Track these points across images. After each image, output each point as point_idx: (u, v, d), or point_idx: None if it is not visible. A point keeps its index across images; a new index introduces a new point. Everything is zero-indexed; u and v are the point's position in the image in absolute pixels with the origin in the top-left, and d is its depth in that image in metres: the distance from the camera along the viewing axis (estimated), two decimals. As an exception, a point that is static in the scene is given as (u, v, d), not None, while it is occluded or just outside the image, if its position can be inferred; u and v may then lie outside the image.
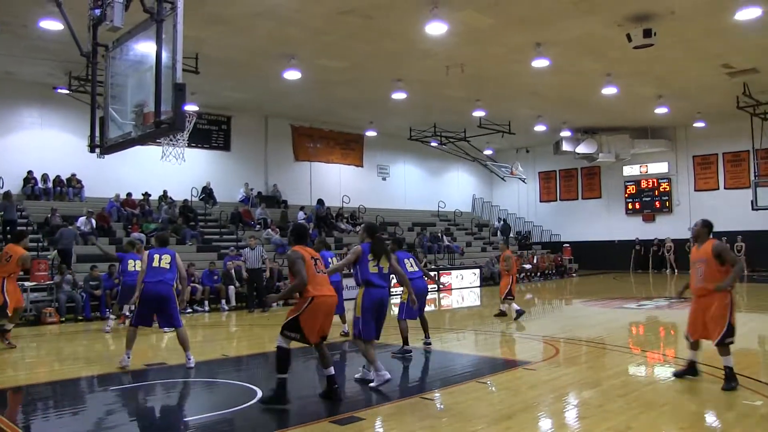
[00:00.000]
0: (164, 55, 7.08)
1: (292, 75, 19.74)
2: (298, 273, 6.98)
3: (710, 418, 6.66)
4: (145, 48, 7.83)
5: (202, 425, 6.61)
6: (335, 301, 7.32)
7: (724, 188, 31.88)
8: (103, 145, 8.69)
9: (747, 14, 15.60)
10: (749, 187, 28.51)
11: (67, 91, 20.10)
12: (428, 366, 10.09)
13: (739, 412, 6.79)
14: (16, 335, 12.19)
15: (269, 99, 24.81)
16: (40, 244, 18.45)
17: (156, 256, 9.54)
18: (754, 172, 28.42)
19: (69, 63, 18.46)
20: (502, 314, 15.50)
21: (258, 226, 24.75)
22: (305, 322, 6.95)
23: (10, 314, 11.43)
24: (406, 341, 10.59)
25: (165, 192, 23.81)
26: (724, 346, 7.54)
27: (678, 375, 8.27)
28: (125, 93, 8.39)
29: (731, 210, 30.27)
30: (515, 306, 14.96)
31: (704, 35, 17.94)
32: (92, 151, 8.88)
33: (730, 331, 7.53)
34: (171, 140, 9.94)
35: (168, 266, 9.52)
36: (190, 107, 18.77)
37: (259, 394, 7.53)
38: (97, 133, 8.95)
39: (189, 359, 9.42)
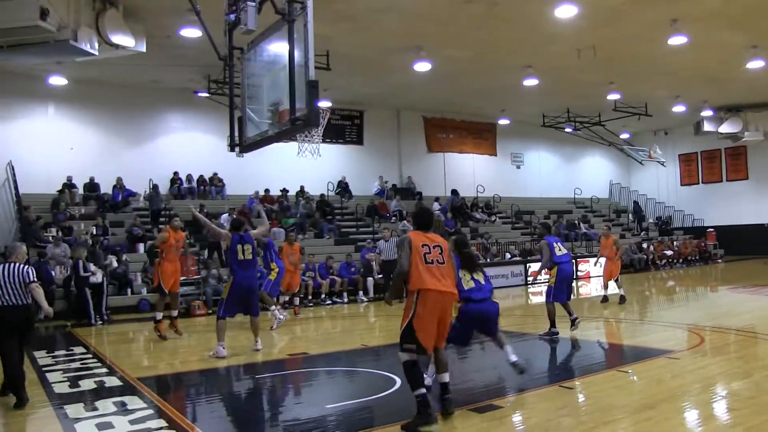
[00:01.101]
0: (296, 54, 7.35)
1: (421, 67, 19.85)
2: (398, 260, 6.23)
3: None
4: (278, 48, 8.17)
5: (343, 412, 6.80)
6: (450, 299, 6.31)
7: None
8: (242, 143, 9.12)
9: None
10: None
11: (207, 95, 21.12)
12: (567, 354, 9.97)
13: None
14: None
15: (399, 92, 25.04)
16: (188, 241, 19.45)
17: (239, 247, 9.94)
18: None
19: (207, 67, 19.37)
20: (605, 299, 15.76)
21: (393, 218, 25.09)
22: (418, 324, 6.03)
23: (167, 294, 12.13)
24: (553, 324, 10.82)
25: (302, 187, 24.55)
26: None
27: None
28: (261, 93, 8.77)
29: None
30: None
31: None
32: (232, 150, 9.33)
33: None
34: (306, 136, 10.26)
35: (251, 256, 10.01)
36: (323, 103, 19.32)
37: (398, 382, 7.65)
38: (236, 133, 9.41)
39: (257, 342, 10.29)
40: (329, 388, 8.45)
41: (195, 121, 23.67)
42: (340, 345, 10.89)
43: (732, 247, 32.56)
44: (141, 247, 19.29)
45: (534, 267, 23.28)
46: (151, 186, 21.58)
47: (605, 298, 15.84)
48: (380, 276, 19.40)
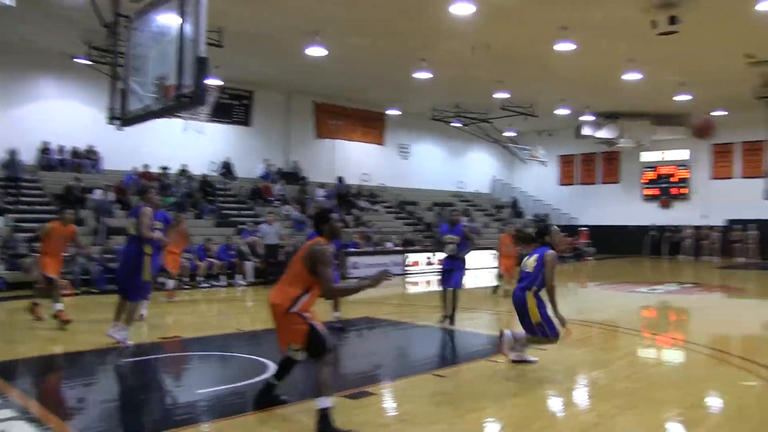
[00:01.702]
0: (187, 28, 7.12)
1: (317, 51, 19.64)
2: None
3: (710, 399, 6.78)
4: (168, 20, 7.89)
5: (215, 397, 6.77)
6: (272, 309, 5.78)
7: (741, 177, 31.65)
8: (123, 117, 8.81)
9: (768, 6, 15.47)
10: (764, 176, 28.36)
11: (87, 62, 19.73)
12: (441, 344, 10.23)
13: (737, 392, 6.97)
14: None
15: (293, 75, 24.74)
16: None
17: None
18: (768, 162, 28.33)
19: (89, 32, 18.01)
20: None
21: (277, 202, 24.90)
22: None
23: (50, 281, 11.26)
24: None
25: (184, 166, 23.88)
26: None
27: None
28: (147, 65, 8.46)
29: (745, 199, 30.13)
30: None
31: (728, 24, 17.71)
32: (111, 122, 9.00)
33: None
34: (192, 114, 10.01)
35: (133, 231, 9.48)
36: (213, 81, 18.77)
37: (272, 368, 7.64)
38: (117, 105, 9.07)
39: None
40: (202, 373, 8.35)
41: (71, 89, 22.19)
42: (215, 329, 10.77)
43: (602, 245, 34.16)
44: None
45: (414, 257, 23.76)
46: (10, 153, 20.12)
47: (497, 288, 16.29)
48: (261, 260, 19.24)
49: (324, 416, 5.36)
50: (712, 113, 29.17)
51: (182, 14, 7.19)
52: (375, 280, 5.67)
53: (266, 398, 6.16)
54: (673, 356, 9.44)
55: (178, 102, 7.15)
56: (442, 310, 11.34)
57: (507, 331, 7.99)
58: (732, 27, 17.92)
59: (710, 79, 23.79)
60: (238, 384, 7.21)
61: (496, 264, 15.98)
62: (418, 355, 9.30)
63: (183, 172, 23.66)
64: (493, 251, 17.31)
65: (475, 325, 11.91)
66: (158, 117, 8.10)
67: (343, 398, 6.43)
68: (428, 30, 18.58)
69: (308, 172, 28.24)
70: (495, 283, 16.68)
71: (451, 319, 11.18)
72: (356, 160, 30.57)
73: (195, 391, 6.99)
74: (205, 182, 23.79)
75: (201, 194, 23.03)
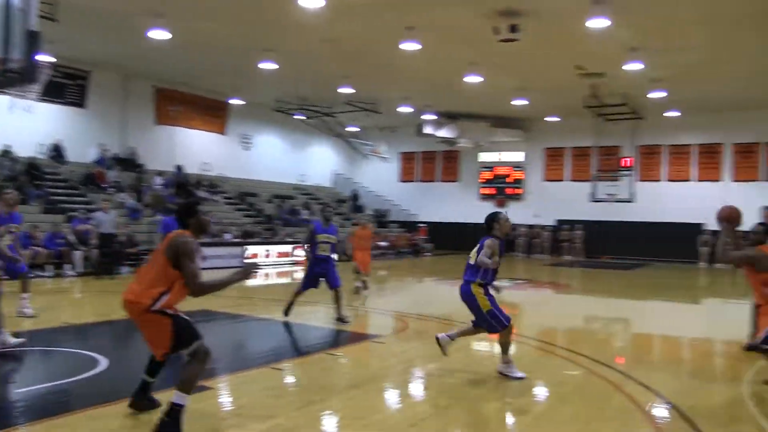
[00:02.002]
0: (16, -2, 6.64)
1: (160, 35, 18.87)
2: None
3: (536, 388, 7.15)
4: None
5: (36, 396, 6.39)
6: (126, 306, 5.32)
7: (569, 180, 33.73)
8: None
9: (597, 23, 16.51)
10: (590, 180, 30.45)
11: None
12: (281, 337, 10.20)
13: (561, 382, 7.44)
14: None
15: (133, 57, 23.56)
16: None
17: None
18: (595, 167, 30.34)
19: None
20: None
21: (112, 189, 23.75)
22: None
23: None
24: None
25: (8, 147, 22.02)
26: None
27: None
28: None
29: (573, 201, 32.26)
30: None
31: (563, 36, 18.81)
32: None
33: None
34: (21, 91, 9.36)
35: None
36: (45, 57, 17.62)
37: (103, 363, 7.37)
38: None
39: None
40: (22, 370, 7.83)
41: None
42: (40, 323, 10.19)
43: (440, 242, 35.27)
44: None
45: (253, 249, 23.57)
46: None
47: (363, 286, 15.56)
48: (95, 249, 18.35)
49: (175, 415, 5.05)
50: (546, 118, 31.00)
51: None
52: (242, 274, 5.47)
53: (143, 400, 5.75)
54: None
55: (4, 78, 6.66)
56: (287, 305, 11.11)
57: (440, 335, 7.82)
58: (566, 40, 19.06)
59: (545, 87, 25.23)
60: (64, 381, 6.83)
61: (352, 259, 14.95)
62: (257, 348, 9.23)
63: (6, 154, 21.92)
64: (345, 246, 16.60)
65: (314, 318, 11.99)
66: (-18, 93, 7.54)
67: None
68: (276, 20, 18.38)
69: (146, 159, 27.11)
70: (354, 279, 15.75)
71: (342, 317, 10.95)
72: (197, 149, 29.78)
73: (14, 391, 6.58)
74: (32, 165, 22.27)
75: (27, 178, 21.55)
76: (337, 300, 11.08)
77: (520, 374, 7.28)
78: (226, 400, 6.40)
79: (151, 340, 5.37)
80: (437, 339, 7.75)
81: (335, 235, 11.23)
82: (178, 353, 5.24)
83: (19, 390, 6.56)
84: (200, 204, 5.76)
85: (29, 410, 5.95)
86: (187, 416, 5.25)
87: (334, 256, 11.33)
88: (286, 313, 11.01)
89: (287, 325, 10.71)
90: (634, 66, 20.72)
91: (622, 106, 26.03)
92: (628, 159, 29.21)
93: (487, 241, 7.53)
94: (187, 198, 25.28)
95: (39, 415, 5.72)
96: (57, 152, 23.78)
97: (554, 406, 6.46)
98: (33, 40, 6.38)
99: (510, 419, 6.09)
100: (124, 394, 5.91)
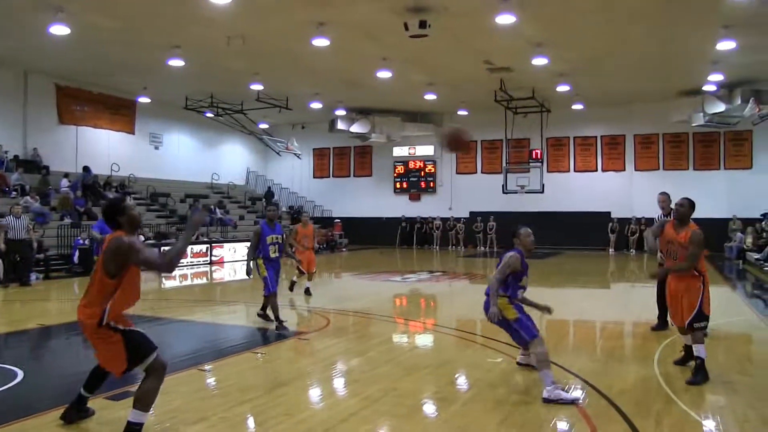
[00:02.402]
0: None
1: (59, 30, 18.15)
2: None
3: (462, 377, 7.37)
4: None
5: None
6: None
7: (481, 173, 34.44)
8: None
9: (504, 19, 17.08)
10: (501, 172, 31.16)
11: None
12: (204, 338, 10.11)
13: (485, 368, 7.65)
14: None
15: (31, 54, 22.69)
16: None
17: None
18: (506, 160, 31.06)
19: None
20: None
21: (14, 192, 22.89)
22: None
23: None
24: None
25: None
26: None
27: (679, 363, 7.75)
28: None
29: (486, 193, 33.01)
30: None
31: (471, 32, 19.26)
32: None
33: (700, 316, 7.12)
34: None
35: None
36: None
37: (20, 374, 7.17)
38: None
39: None
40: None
41: None
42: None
43: (355, 237, 35.46)
44: None
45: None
46: None
47: (293, 285, 14.95)
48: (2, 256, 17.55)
49: None
50: (457, 112, 31.53)
51: None
52: (194, 224, 5.35)
53: (76, 414, 5.63)
54: (427, 340, 10.13)
55: None
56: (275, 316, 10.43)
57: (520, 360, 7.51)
58: (474, 35, 19.52)
59: (455, 82, 25.73)
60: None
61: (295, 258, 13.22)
62: (181, 350, 9.10)
63: None
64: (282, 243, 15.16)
65: (236, 318, 11.94)
66: None
67: (105, 400, 6.21)
68: (183, 16, 18.09)
69: (50, 161, 26.18)
70: (294, 278, 15.18)
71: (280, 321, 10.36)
72: (104, 149, 28.97)
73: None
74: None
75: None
76: (272, 305, 10.45)
77: (570, 397, 6.35)
78: (158, 401, 6.31)
79: (106, 360, 5.29)
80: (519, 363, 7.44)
81: (281, 235, 10.84)
82: (134, 370, 5.19)
83: None
84: (125, 201, 5.62)
85: None
86: (118, 424, 5.24)
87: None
88: (279, 321, 10.24)
89: (209, 326, 10.65)
90: (539, 61, 21.41)
91: (530, 99, 26.72)
92: (537, 151, 29.96)
93: (507, 257, 6.83)
94: (96, 199, 24.67)
95: None
96: (-47, 155, 22.75)
97: (482, 391, 6.66)
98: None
99: (440, 407, 6.23)
100: (45, 405, 5.85)
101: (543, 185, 29.25)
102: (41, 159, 25.98)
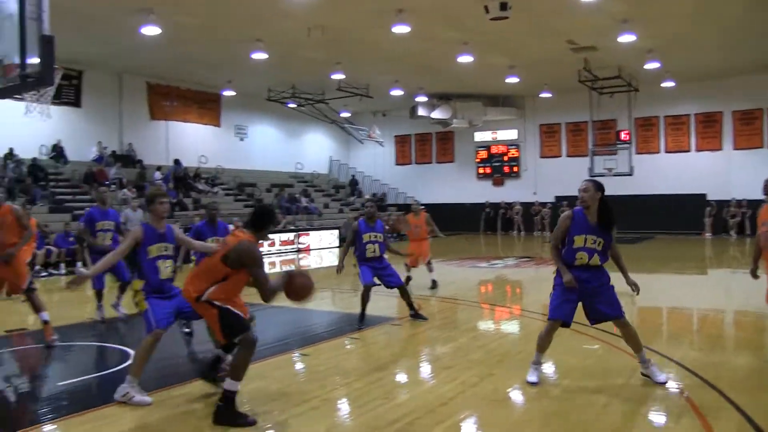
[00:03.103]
0: (28, 6, 6.75)
1: (150, 31, 18.94)
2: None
3: (558, 363, 7.22)
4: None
5: (72, 389, 6.54)
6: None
7: (566, 156, 33.76)
8: (-46, 96, 8.17)
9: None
10: (587, 155, 30.42)
11: None
12: (296, 324, 10.26)
13: (581, 355, 7.55)
14: None
15: (124, 55, 23.67)
16: None
17: None
18: (592, 142, 30.31)
19: None
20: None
21: (113, 186, 23.81)
22: None
23: None
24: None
25: (11, 149, 22.30)
26: None
27: None
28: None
29: (571, 176, 32.14)
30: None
31: (553, 12, 18.89)
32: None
33: None
34: (38, 96, 9.45)
35: None
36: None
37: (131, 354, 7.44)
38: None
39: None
40: (58, 364, 7.95)
41: None
42: (69, 318, 10.25)
43: (438, 223, 35.12)
44: None
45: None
46: None
47: (408, 279, 13.35)
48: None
49: (229, 401, 5.39)
50: (540, 95, 31.02)
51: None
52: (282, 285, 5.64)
53: (211, 372, 6.14)
54: (516, 327, 10.03)
55: (23, 82, 6.72)
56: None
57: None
58: (556, 14, 19.10)
59: (537, 63, 25.26)
60: (101, 373, 7.01)
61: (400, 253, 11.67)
62: (276, 335, 9.30)
63: (10, 156, 22.05)
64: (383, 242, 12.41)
65: (325, 304, 12.10)
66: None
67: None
68: (264, 10, 18.41)
69: (144, 155, 27.30)
70: (407, 273, 13.71)
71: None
72: (192, 142, 29.79)
73: (55, 384, 6.73)
74: (35, 166, 22.34)
75: (32, 179, 21.63)
76: (406, 296, 10.05)
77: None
78: (260, 385, 6.46)
79: (211, 328, 5.91)
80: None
81: (382, 233, 10.01)
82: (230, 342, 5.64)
83: (60, 383, 6.71)
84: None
85: (73, 402, 6.11)
86: None
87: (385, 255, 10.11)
88: (360, 319, 9.76)
89: (301, 312, 10.75)
90: (626, 38, 20.74)
91: (617, 79, 26.00)
92: (625, 132, 29.16)
93: None
94: (186, 191, 25.36)
95: (81, 407, 5.88)
96: (58, 152, 23.89)
97: (580, 380, 6.54)
98: (48, 46, 6.46)
99: (538, 393, 6.14)
100: (151, 386, 6.12)
101: (632, 167, 28.41)
102: (136, 153, 27.03)
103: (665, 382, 6.20)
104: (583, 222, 6.32)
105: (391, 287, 9.88)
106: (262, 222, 5.68)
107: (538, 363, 6.45)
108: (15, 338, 9.20)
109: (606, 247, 6.29)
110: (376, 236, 9.88)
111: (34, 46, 6.56)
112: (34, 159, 22.75)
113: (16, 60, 6.84)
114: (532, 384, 6.28)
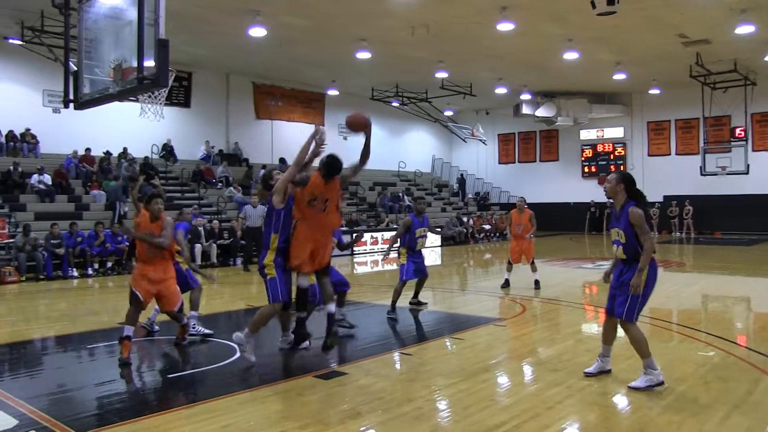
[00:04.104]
0: (146, 12, 7.05)
1: (257, 32, 19.50)
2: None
3: (673, 369, 6.92)
4: (121, 2, 7.77)
5: (184, 380, 6.83)
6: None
7: (676, 154, 32.58)
8: (77, 100, 8.62)
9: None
10: (698, 153, 29.26)
11: (20, 42, 19.19)
12: (400, 323, 10.28)
13: (696, 363, 7.22)
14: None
15: (231, 56, 24.47)
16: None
17: None
18: (704, 139, 29.12)
19: (20, 12, 17.72)
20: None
21: (219, 184, 24.63)
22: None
23: None
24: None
25: (125, 149, 23.40)
26: None
27: None
28: (99, 47, 8.31)
29: (681, 175, 31.17)
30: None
31: (662, 5, 18.28)
32: (66, 106, 8.80)
33: None
34: (151, 97, 9.88)
35: None
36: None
37: (237, 352, 7.60)
38: (70, 88, 8.87)
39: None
40: (172, 356, 8.19)
41: (4, 70, 21.46)
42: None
43: (542, 222, 34.62)
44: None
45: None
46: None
47: (507, 282, 13.63)
48: (243, 242, 19.29)
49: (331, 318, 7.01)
50: (648, 91, 30.06)
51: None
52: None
53: (301, 333, 7.26)
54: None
55: (139, 84, 7.04)
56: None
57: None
58: (666, 8, 18.46)
59: (645, 59, 24.52)
60: (218, 365, 7.20)
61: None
62: (379, 334, 9.35)
63: (123, 155, 23.15)
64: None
65: (429, 303, 12.06)
66: (117, 100, 7.96)
67: (315, 378, 6.55)
68: (369, 10, 18.61)
69: (249, 154, 28.09)
70: (507, 275, 13.87)
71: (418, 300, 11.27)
72: (296, 141, 30.01)
73: (167, 375, 7.03)
74: (146, 165, 23.33)
75: (144, 177, 22.56)
76: (421, 285, 11.28)
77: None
78: (363, 383, 6.51)
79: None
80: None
81: (427, 227, 10.96)
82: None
83: (173, 374, 7.10)
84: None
85: (185, 393, 6.40)
86: (330, 401, 5.79)
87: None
88: (393, 307, 10.52)
89: (402, 310, 10.76)
90: (744, 29, 19.85)
91: (732, 73, 24.90)
92: (740, 128, 27.88)
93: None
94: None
95: (193, 399, 6.15)
96: (167, 151, 24.83)
97: (695, 387, 6.27)
98: (163, 49, 6.74)
99: (650, 399, 5.93)
100: (255, 382, 6.42)
101: (748, 165, 27.16)
102: (242, 152, 27.80)
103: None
104: (613, 214, 6.65)
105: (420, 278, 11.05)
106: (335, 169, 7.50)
107: (646, 368, 6.22)
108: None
109: (630, 240, 6.31)
110: (424, 230, 10.85)
111: (150, 50, 6.86)
112: (146, 158, 23.76)
113: (134, 63, 7.16)
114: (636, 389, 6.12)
